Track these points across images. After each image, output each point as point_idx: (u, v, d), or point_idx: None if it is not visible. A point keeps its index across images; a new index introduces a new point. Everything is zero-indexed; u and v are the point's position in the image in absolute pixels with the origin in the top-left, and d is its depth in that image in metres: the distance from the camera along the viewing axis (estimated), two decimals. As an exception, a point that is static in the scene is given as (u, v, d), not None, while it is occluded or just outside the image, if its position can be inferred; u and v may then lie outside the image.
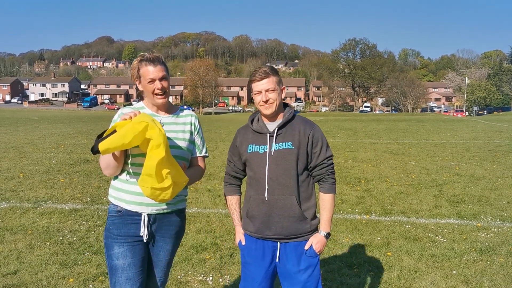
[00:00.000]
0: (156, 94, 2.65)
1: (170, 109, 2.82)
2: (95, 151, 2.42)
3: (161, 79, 2.64)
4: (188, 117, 2.86)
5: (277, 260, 2.72)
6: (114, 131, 2.42)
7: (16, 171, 10.48)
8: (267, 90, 2.63)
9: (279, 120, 2.72)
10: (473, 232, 5.97)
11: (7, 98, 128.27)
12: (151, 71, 2.62)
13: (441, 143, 19.21)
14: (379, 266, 4.77)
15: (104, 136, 2.44)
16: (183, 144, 2.74)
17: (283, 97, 2.75)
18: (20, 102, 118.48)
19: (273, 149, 2.65)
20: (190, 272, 4.57)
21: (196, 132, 2.88)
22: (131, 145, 2.37)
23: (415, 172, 10.94)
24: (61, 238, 5.53)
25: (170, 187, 2.44)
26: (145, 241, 2.69)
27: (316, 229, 2.72)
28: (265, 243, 2.72)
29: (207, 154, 2.95)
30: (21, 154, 13.86)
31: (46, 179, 9.59)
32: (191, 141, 2.82)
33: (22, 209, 6.92)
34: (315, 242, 2.66)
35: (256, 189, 2.71)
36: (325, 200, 2.69)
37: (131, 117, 2.44)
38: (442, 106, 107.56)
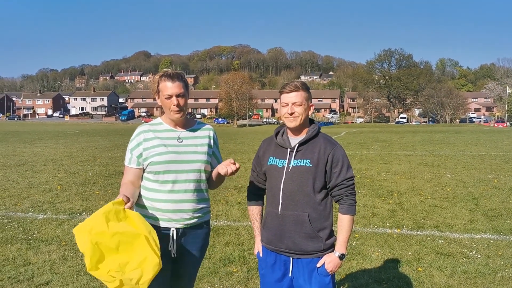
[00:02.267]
0: (172, 110, 2.71)
1: (188, 124, 2.87)
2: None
3: (178, 96, 2.69)
4: (206, 130, 2.91)
5: (289, 275, 2.72)
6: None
7: (54, 184, 10.82)
8: (294, 103, 2.65)
9: (303, 136, 2.72)
10: (510, 248, 5.76)
11: (49, 112, 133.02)
12: (169, 87, 2.68)
13: (480, 155, 18.67)
14: (409, 282, 4.66)
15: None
16: (202, 157, 2.78)
17: (309, 114, 2.75)
18: (61, 116, 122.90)
19: (291, 165, 2.66)
20: (216, 285, 4.59)
21: (214, 145, 2.92)
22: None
23: (450, 185, 10.66)
24: (93, 250, 5.65)
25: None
26: (173, 256, 2.72)
27: (330, 248, 2.69)
28: (278, 256, 2.73)
29: None
30: (60, 166, 14.31)
31: (82, 191, 9.85)
32: (210, 154, 2.86)
33: (58, 221, 7.13)
34: (328, 261, 2.64)
35: (271, 202, 2.74)
36: (342, 221, 2.67)
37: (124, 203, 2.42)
38: (482, 116, 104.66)
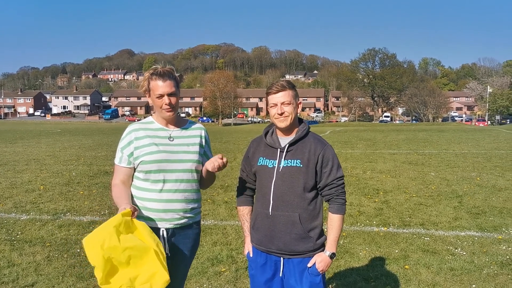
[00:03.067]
0: (164, 109, 2.68)
1: (179, 123, 2.85)
2: None
3: (169, 95, 2.67)
4: (197, 130, 2.89)
5: (280, 275, 2.71)
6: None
7: (37, 184, 10.66)
8: (282, 103, 2.64)
9: (293, 135, 2.71)
10: (494, 245, 5.84)
11: (31, 111, 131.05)
12: (160, 86, 2.65)
13: (462, 153, 18.92)
14: (397, 280, 4.69)
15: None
16: (193, 157, 2.76)
17: (298, 111, 2.74)
18: (43, 115, 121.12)
19: (281, 165, 2.65)
20: (205, 285, 4.56)
21: (206, 145, 2.90)
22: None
23: (434, 183, 10.78)
24: (79, 251, 5.58)
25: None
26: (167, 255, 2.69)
27: (321, 248, 2.69)
28: (269, 257, 2.72)
29: None
30: (42, 166, 14.10)
31: (66, 191, 9.73)
32: (201, 154, 2.84)
33: (42, 221, 7.02)
34: (319, 261, 2.63)
35: (262, 202, 2.72)
36: (333, 220, 2.66)
37: (132, 213, 2.41)
38: (464, 115, 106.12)
